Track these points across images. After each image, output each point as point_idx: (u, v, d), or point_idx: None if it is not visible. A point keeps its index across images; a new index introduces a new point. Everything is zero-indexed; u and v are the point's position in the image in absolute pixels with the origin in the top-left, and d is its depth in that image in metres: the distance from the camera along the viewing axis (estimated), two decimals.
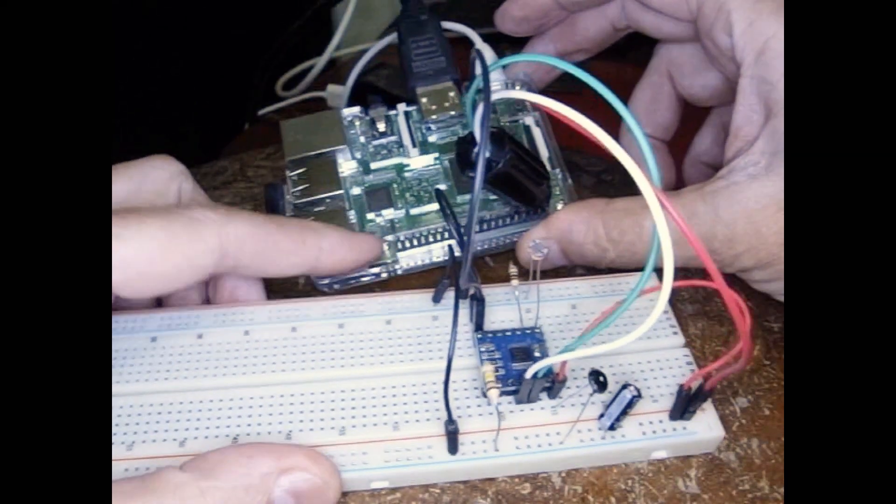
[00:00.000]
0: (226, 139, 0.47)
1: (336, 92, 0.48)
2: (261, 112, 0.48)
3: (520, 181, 0.25)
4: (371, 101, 0.48)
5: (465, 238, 0.20)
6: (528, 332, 0.23)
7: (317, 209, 0.27)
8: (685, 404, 0.20)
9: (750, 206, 0.22)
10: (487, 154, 0.23)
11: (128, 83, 0.37)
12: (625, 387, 0.20)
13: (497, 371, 0.21)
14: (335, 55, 0.55)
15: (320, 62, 0.53)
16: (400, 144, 0.28)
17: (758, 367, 0.23)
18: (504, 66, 0.29)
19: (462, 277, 0.21)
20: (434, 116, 0.27)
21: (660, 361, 0.22)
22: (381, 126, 0.28)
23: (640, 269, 0.18)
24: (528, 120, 0.29)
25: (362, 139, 0.28)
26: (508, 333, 0.23)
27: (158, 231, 0.20)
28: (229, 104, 0.49)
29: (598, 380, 0.20)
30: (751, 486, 0.20)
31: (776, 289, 0.24)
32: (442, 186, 0.27)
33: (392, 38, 0.62)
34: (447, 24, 0.31)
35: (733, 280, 0.24)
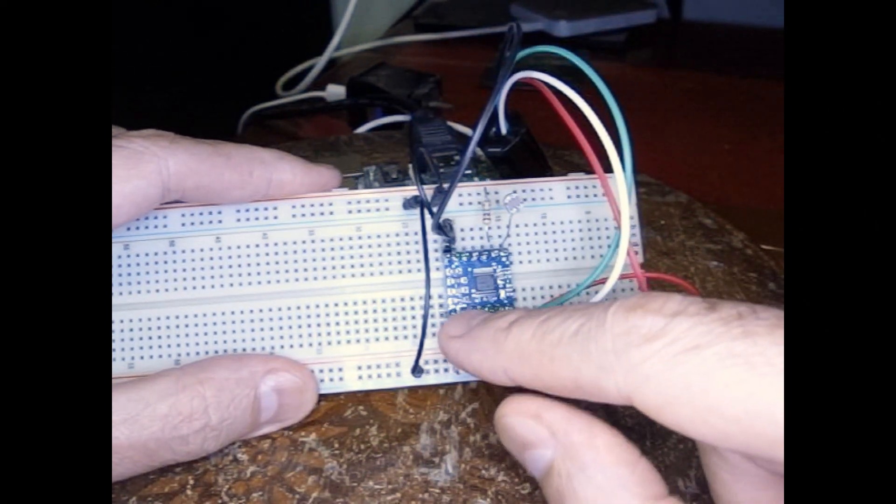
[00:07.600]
0: (225, 139, 0.47)
1: (336, 92, 0.48)
2: (260, 111, 0.49)
3: (527, 164, 0.25)
4: (370, 112, 0.48)
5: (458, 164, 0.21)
6: (493, 255, 0.23)
7: None
8: None
9: None
10: (504, 130, 0.24)
11: (126, 83, 0.38)
12: None
13: (458, 304, 0.23)
14: (335, 55, 0.55)
15: (320, 62, 0.53)
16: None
17: None
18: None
19: (439, 212, 0.22)
20: (442, 171, 0.27)
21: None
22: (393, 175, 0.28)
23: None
24: None
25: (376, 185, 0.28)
26: (475, 257, 0.23)
27: None
28: (229, 104, 0.49)
29: None
30: None
31: None
32: None
33: (389, 39, 0.62)
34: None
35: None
